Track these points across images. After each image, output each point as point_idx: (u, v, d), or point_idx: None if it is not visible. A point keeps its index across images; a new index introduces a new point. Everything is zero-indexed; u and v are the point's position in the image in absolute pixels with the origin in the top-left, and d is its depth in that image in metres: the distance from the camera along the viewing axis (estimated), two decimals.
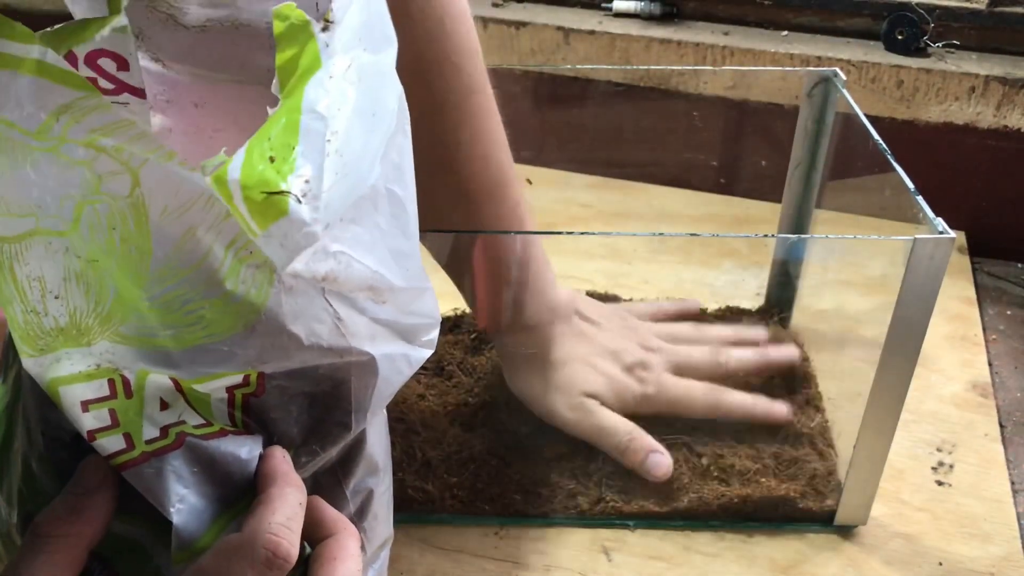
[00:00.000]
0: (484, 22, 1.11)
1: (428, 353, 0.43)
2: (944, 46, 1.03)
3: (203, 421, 0.37)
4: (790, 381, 0.75)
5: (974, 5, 1.01)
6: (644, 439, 0.68)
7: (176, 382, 0.36)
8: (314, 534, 0.39)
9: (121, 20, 0.38)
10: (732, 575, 0.65)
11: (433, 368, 0.75)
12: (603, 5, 1.13)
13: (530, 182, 1.05)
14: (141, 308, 0.36)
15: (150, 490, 0.36)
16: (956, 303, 0.92)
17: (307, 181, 0.34)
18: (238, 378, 0.37)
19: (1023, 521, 0.69)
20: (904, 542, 0.68)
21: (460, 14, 0.60)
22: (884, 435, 0.63)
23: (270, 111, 0.35)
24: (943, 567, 0.66)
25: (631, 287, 0.88)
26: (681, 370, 0.72)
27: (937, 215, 0.57)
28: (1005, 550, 0.67)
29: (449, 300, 0.71)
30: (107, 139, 0.33)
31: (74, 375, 0.36)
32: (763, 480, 0.68)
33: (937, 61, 1.01)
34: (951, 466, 0.74)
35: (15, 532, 0.41)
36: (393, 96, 0.40)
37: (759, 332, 0.77)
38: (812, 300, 0.83)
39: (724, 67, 1.05)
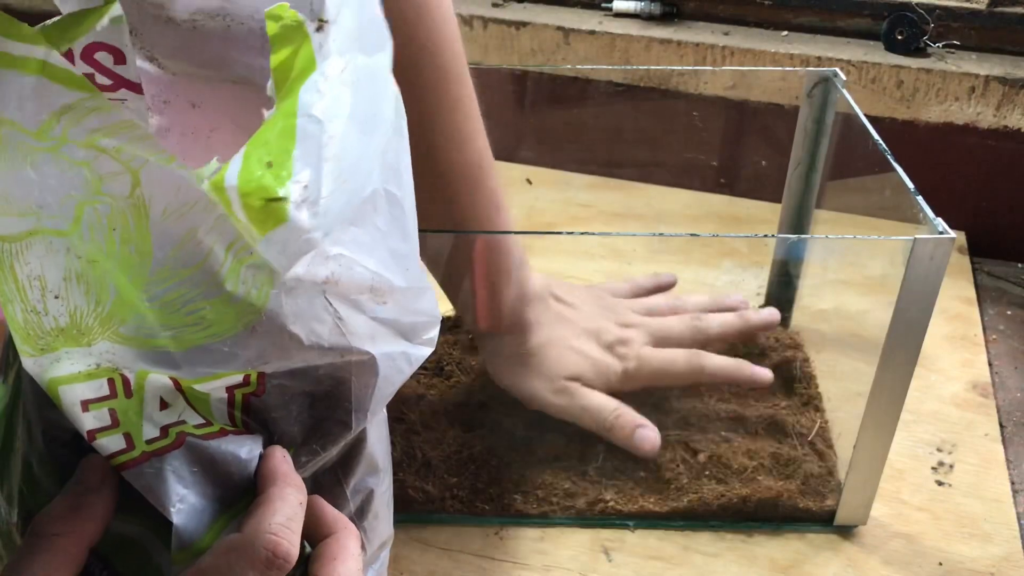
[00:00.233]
0: (484, 22, 1.11)
1: (428, 351, 0.43)
2: (944, 46, 1.03)
3: (203, 421, 0.37)
4: (790, 381, 0.75)
5: (974, 5, 1.01)
6: (630, 415, 0.69)
7: (176, 381, 0.36)
8: (314, 533, 0.39)
9: (116, 9, 0.38)
10: (732, 575, 0.65)
11: (433, 368, 0.75)
12: (603, 5, 1.13)
13: (530, 182, 1.05)
14: (141, 308, 0.36)
15: (150, 490, 0.36)
16: (956, 303, 0.92)
17: (306, 187, 0.34)
18: (238, 378, 0.37)
19: (1023, 521, 0.69)
20: (904, 542, 0.68)
21: (438, 2, 0.60)
22: (884, 435, 0.63)
23: (266, 114, 0.35)
24: (943, 567, 0.66)
25: None
26: (661, 342, 0.73)
27: (937, 215, 0.57)
28: (1005, 550, 0.67)
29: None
30: (108, 140, 0.33)
31: (74, 375, 0.35)
32: (763, 480, 0.68)
33: (937, 61, 1.01)
34: (951, 466, 0.74)
35: (15, 531, 0.41)
36: (390, 99, 0.40)
37: (737, 298, 0.77)
38: (812, 300, 0.83)
39: (724, 67, 1.05)
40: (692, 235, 0.99)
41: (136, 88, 0.42)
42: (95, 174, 0.34)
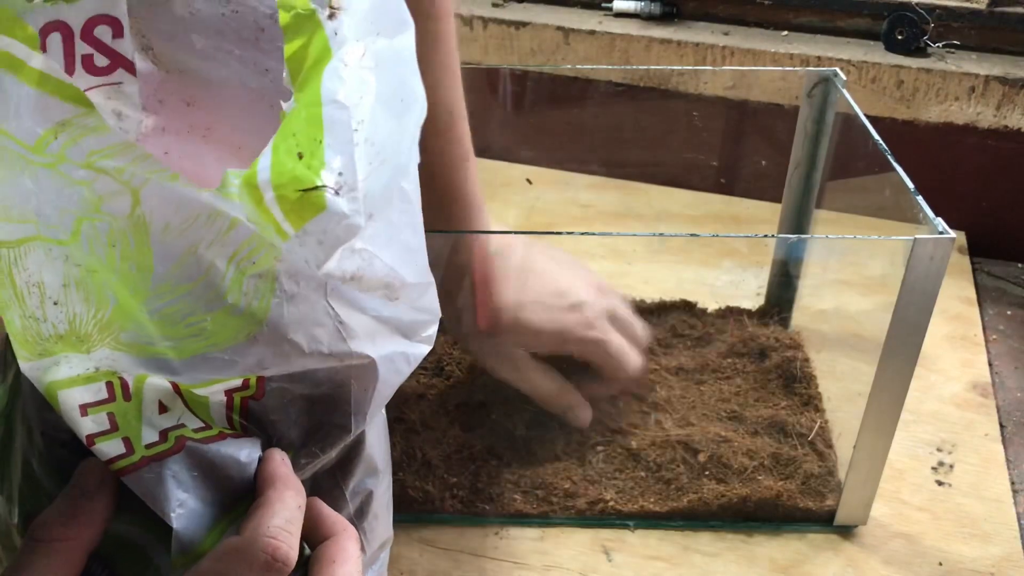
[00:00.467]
0: (484, 22, 1.11)
1: (427, 349, 0.43)
2: (944, 46, 1.03)
3: (202, 424, 0.37)
4: (790, 381, 0.75)
5: (974, 5, 1.01)
6: (570, 395, 0.70)
7: (175, 385, 0.36)
8: (313, 536, 0.39)
9: None
10: (732, 575, 0.65)
11: (432, 368, 0.75)
12: (603, 5, 1.13)
13: (530, 182, 1.05)
14: (141, 319, 0.35)
15: (150, 495, 0.36)
16: (956, 303, 0.92)
17: (340, 173, 0.34)
18: (237, 382, 0.37)
19: (1023, 521, 0.69)
20: (904, 542, 0.68)
21: None
22: (884, 435, 0.63)
23: (284, 106, 0.35)
24: (943, 567, 0.66)
25: (631, 287, 0.88)
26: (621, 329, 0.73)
27: (937, 215, 0.57)
28: (1005, 550, 0.67)
29: None
30: (107, 161, 0.33)
31: (72, 378, 0.35)
32: (763, 480, 0.68)
33: (937, 61, 1.01)
34: (951, 466, 0.74)
35: (15, 532, 0.41)
36: (417, 79, 0.39)
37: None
38: (812, 300, 0.83)
39: (724, 67, 1.05)
40: (692, 235, 0.99)
41: (131, 68, 0.42)
42: (95, 193, 0.34)
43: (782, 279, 0.85)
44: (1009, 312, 0.92)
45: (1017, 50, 1.02)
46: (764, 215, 1.01)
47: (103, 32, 0.40)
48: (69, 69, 0.41)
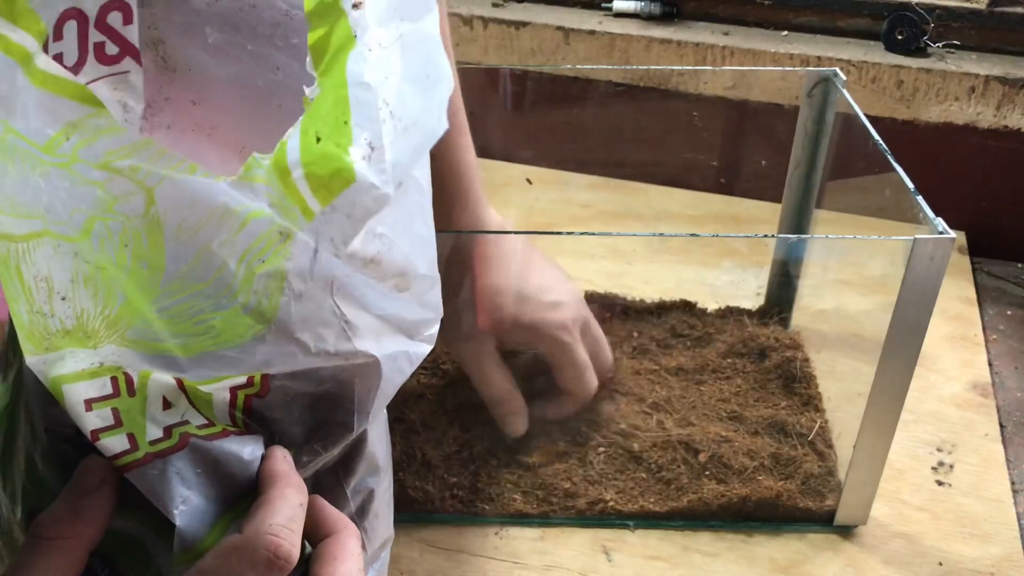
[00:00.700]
0: (484, 22, 1.11)
1: (428, 349, 0.43)
2: (944, 46, 1.03)
3: (206, 421, 0.37)
4: (790, 381, 0.75)
5: (974, 5, 1.01)
6: (515, 402, 0.69)
7: (179, 381, 0.36)
8: (315, 533, 0.39)
9: None
10: (732, 575, 0.65)
11: (432, 368, 0.75)
12: (603, 5, 1.13)
13: (530, 182, 1.05)
14: (149, 317, 0.36)
15: (153, 492, 0.36)
16: (956, 303, 0.92)
17: (370, 144, 0.35)
18: (242, 379, 0.37)
19: (1023, 521, 0.70)
20: (904, 542, 0.68)
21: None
22: (884, 435, 0.63)
23: (308, 91, 0.36)
24: (943, 567, 0.66)
25: (631, 287, 0.88)
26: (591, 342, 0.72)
27: (937, 215, 0.57)
28: (1005, 550, 0.67)
29: None
30: (123, 161, 0.34)
31: (78, 372, 0.35)
32: (763, 480, 0.68)
33: (937, 61, 1.01)
34: (951, 466, 0.74)
35: (17, 529, 0.41)
36: (443, 56, 0.40)
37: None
38: (812, 300, 0.83)
39: (724, 67, 1.05)
40: (692, 235, 0.99)
41: (138, 56, 0.42)
42: (109, 194, 0.34)
43: (782, 279, 0.85)
44: (1009, 312, 0.92)
45: (1017, 50, 1.02)
46: (764, 215, 1.01)
47: (115, 19, 0.40)
48: (82, 58, 0.41)
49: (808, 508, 0.68)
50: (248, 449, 0.38)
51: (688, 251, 0.96)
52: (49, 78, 0.33)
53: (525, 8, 1.14)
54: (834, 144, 0.77)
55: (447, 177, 0.64)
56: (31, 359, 0.36)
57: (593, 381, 0.70)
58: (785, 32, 1.08)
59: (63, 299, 0.35)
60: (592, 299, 0.86)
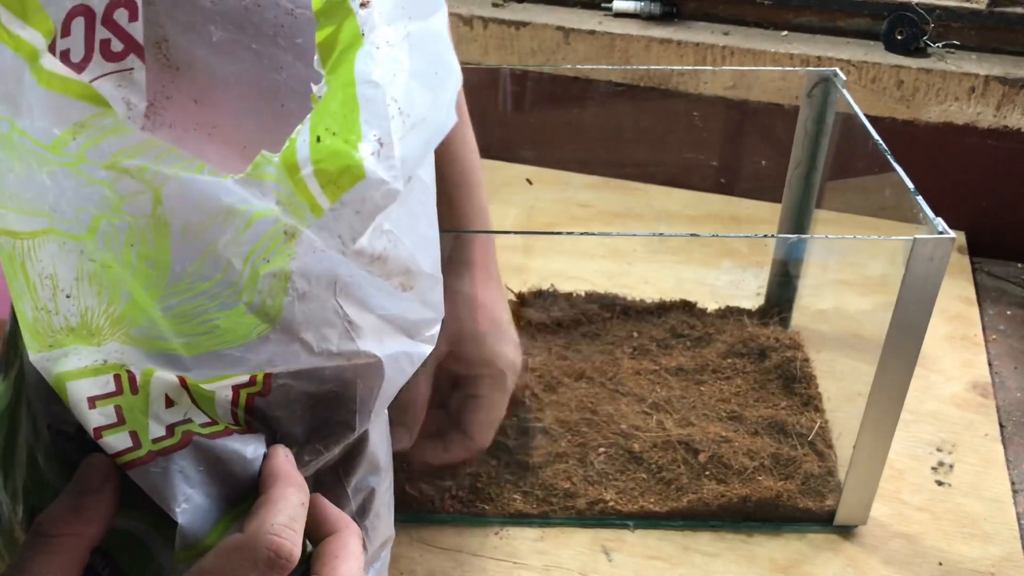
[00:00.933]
0: (484, 22, 1.11)
1: (429, 349, 0.43)
2: (944, 46, 1.03)
3: (208, 419, 0.37)
4: (790, 381, 0.75)
5: (974, 5, 1.01)
6: (416, 419, 0.65)
7: (182, 379, 0.36)
8: (316, 532, 0.39)
9: None
10: (732, 575, 0.65)
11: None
12: (603, 5, 1.13)
13: (530, 182, 1.05)
14: (154, 316, 0.36)
15: (156, 490, 0.36)
16: (956, 303, 0.92)
17: (379, 141, 0.35)
18: (245, 378, 0.37)
19: (1023, 521, 0.70)
20: (904, 542, 0.68)
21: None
22: (884, 435, 0.63)
23: (315, 89, 0.36)
24: (943, 567, 0.66)
25: (631, 287, 0.88)
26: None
27: (937, 215, 0.57)
28: (1005, 550, 0.67)
29: None
30: (130, 160, 0.34)
31: (81, 369, 0.36)
32: (763, 480, 0.68)
33: (937, 61, 1.01)
34: (951, 466, 0.74)
35: (18, 527, 0.41)
36: (451, 53, 0.40)
37: None
38: (812, 300, 0.83)
39: (724, 67, 1.05)
40: (692, 235, 0.99)
41: (142, 54, 0.43)
42: (116, 194, 0.34)
43: (782, 279, 0.85)
44: (1009, 312, 0.92)
45: (1017, 50, 1.02)
46: (764, 215, 1.01)
47: (121, 16, 0.40)
48: (88, 55, 0.42)
49: (808, 508, 0.68)
50: (250, 448, 0.38)
51: (688, 251, 0.96)
52: (55, 78, 0.33)
53: (525, 8, 1.14)
54: (834, 144, 0.77)
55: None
56: (35, 356, 0.36)
57: (490, 438, 0.67)
58: (785, 32, 1.08)
59: (68, 296, 0.35)
60: (592, 299, 0.86)
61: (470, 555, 0.66)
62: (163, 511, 0.36)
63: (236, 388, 0.37)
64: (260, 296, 0.36)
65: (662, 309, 0.85)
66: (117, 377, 0.36)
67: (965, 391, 0.82)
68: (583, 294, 0.87)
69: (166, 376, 0.36)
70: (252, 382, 0.37)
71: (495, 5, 1.14)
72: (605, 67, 1.10)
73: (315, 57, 0.36)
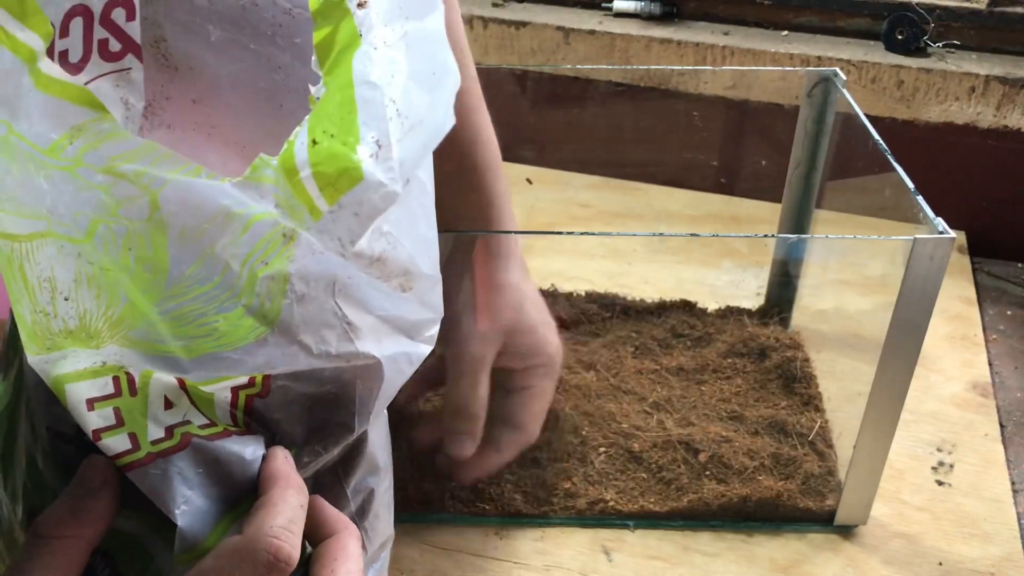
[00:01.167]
0: (484, 22, 1.11)
1: (428, 349, 0.43)
2: (944, 46, 1.03)
3: (207, 421, 0.37)
4: (790, 381, 0.75)
5: (974, 5, 1.01)
6: (477, 423, 0.65)
7: (181, 381, 0.36)
8: (315, 534, 0.39)
9: None
10: (732, 575, 0.65)
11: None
12: (603, 5, 1.13)
13: (530, 182, 1.05)
14: (152, 318, 0.36)
15: (155, 491, 0.36)
16: (956, 303, 0.92)
17: (377, 143, 0.35)
18: (244, 379, 0.37)
19: (1023, 521, 0.70)
20: (904, 542, 0.68)
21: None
22: (884, 435, 0.63)
23: (313, 90, 0.36)
24: (943, 567, 0.66)
25: (631, 287, 0.88)
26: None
27: (937, 215, 0.57)
28: (1005, 550, 0.67)
29: None
30: (128, 165, 0.34)
31: (80, 372, 0.36)
32: (763, 480, 0.68)
33: (937, 61, 1.01)
34: (951, 466, 0.74)
35: (18, 528, 0.41)
36: (449, 54, 0.40)
37: None
38: (812, 300, 0.83)
39: (724, 67, 1.05)
40: (692, 235, 0.99)
41: (139, 53, 0.43)
42: (113, 198, 0.34)
43: (782, 279, 0.85)
44: (1009, 312, 0.92)
45: (1017, 50, 1.02)
46: (764, 215, 1.01)
47: (119, 15, 0.40)
48: (86, 55, 0.42)
49: (808, 508, 0.68)
50: (249, 449, 0.38)
51: (688, 251, 0.96)
52: (52, 82, 0.33)
53: (525, 8, 1.14)
54: (834, 144, 0.77)
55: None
56: (33, 359, 0.36)
57: (539, 429, 0.67)
58: (785, 32, 1.08)
59: (66, 299, 0.35)
60: (592, 299, 0.86)
61: (470, 555, 0.66)
62: (162, 513, 0.36)
63: (235, 390, 0.37)
64: (259, 298, 0.36)
65: (662, 309, 0.85)
66: (116, 379, 0.36)
67: (965, 391, 0.82)
68: (583, 294, 0.87)
69: (165, 378, 0.36)
70: (251, 384, 0.37)
71: (495, 5, 1.14)
72: (605, 67, 1.10)
73: (313, 58, 0.36)
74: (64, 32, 0.40)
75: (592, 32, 1.08)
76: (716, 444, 0.69)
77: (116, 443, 0.36)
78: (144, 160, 0.34)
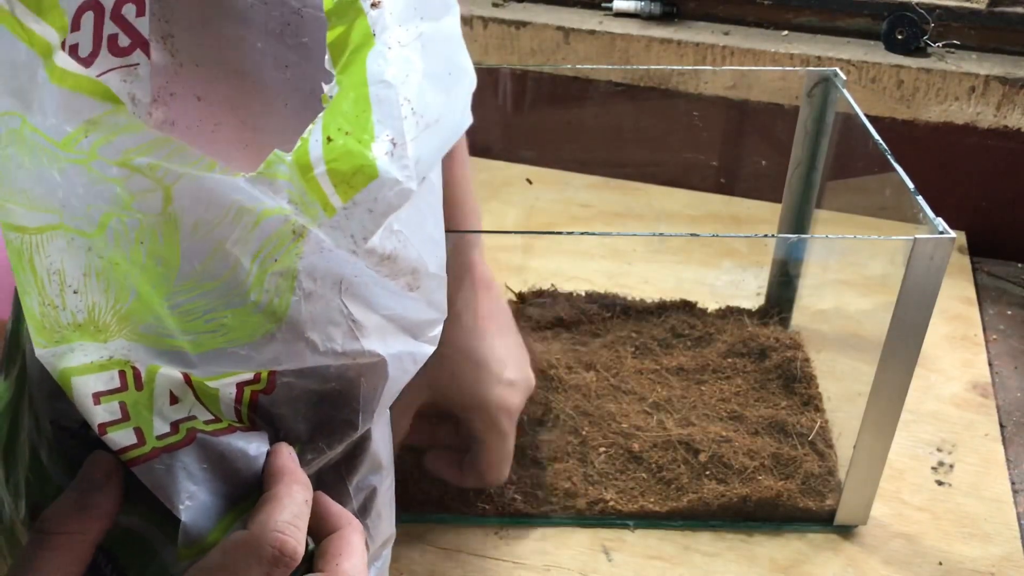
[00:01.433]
0: (484, 22, 1.11)
1: (432, 349, 0.43)
2: (944, 46, 1.03)
3: (212, 417, 0.37)
4: (790, 381, 0.75)
5: (974, 5, 1.01)
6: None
7: (186, 376, 0.36)
8: (318, 530, 0.39)
9: None
10: (732, 575, 0.65)
11: None
12: (603, 5, 1.13)
13: (530, 182, 1.05)
14: (161, 313, 0.36)
15: (159, 486, 0.36)
16: (956, 303, 0.92)
17: (392, 141, 0.35)
18: (249, 375, 0.37)
19: (1023, 521, 0.70)
20: (904, 542, 0.68)
21: None
22: (884, 435, 0.63)
23: (326, 89, 0.36)
24: (943, 567, 0.66)
25: (631, 287, 0.88)
26: None
27: (937, 215, 0.57)
28: (1005, 550, 0.67)
29: None
30: (142, 158, 0.34)
31: (86, 365, 0.36)
32: (763, 480, 0.68)
33: (937, 61, 1.01)
34: (951, 466, 0.74)
35: (20, 525, 0.41)
36: (465, 55, 0.40)
37: None
38: (812, 300, 0.83)
39: (724, 67, 1.05)
40: (692, 235, 0.99)
41: (147, 49, 0.43)
42: (127, 191, 0.34)
43: (782, 279, 0.85)
44: (1009, 312, 0.92)
45: (1017, 50, 1.02)
46: (764, 215, 1.01)
47: (129, 10, 0.40)
48: (96, 49, 0.42)
49: (808, 508, 0.68)
50: (254, 445, 0.38)
51: (688, 251, 0.96)
52: (68, 75, 0.33)
53: (525, 8, 1.14)
54: (834, 144, 0.77)
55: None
56: (40, 351, 0.36)
57: (504, 474, 0.66)
58: (785, 32, 1.08)
59: (75, 292, 0.35)
60: (592, 299, 0.86)
61: (470, 555, 0.66)
62: (167, 508, 0.36)
63: (240, 385, 0.37)
64: (267, 295, 0.36)
65: (662, 309, 0.85)
66: (122, 373, 0.36)
67: (965, 391, 0.82)
68: (583, 294, 0.87)
69: (171, 373, 0.36)
70: (256, 380, 0.37)
71: (495, 5, 1.14)
72: (605, 67, 1.10)
73: (326, 56, 0.37)
74: (75, 26, 0.40)
75: (592, 32, 1.08)
76: (716, 444, 0.70)
77: (122, 437, 0.36)
78: (159, 153, 0.34)
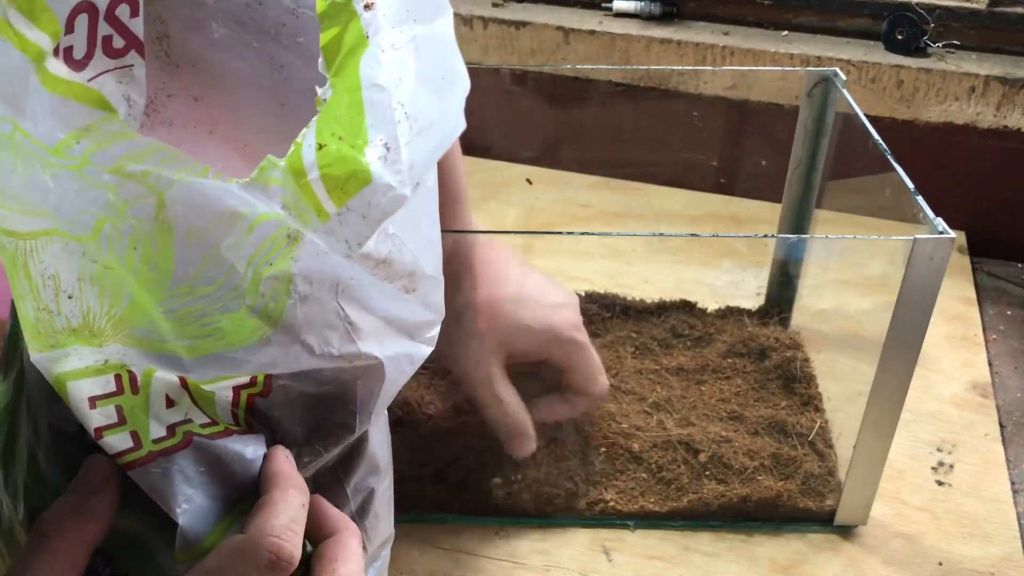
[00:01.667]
0: (484, 22, 1.11)
1: (429, 350, 0.43)
2: (944, 46, 1.03)
3: (209, 420, 0.37)
4: (790, 381, 0.75)
5: (974, 5, 1.01)
6: (525, 422, 0.66)
7: (182, 380, 0.36)
8: (316, 533, 0.39)
9: None
10: (732, 575, 0.65)
11: (433, 368, 0.75)
12: (603, 5, 1.13)
13: (530, 182, 1.05)
14: (156, 318, 0.36)
15: (156, 490, 0.36)
16: (956, 303, 0.92)
17: (386, 146, 0.35)
18: (245, 379, 0.37)
19: (1023, 521, 0.70)
20: (904, 542, 0.68)
21: None
22: (884, 435, 0.63)
23: (320, 92, 0.36)
24: (943, 567, 0.66)
25: (631, 287, 0.88)
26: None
27: (937, 215, 0.57)
28: (1005, 550, 0.67)
29: None
30: (135, 165, 0.34)
31: (81, 370, 0.36)
32: (763, 480, 0.68)
33: (937, 61, 1.01)
34: (951, 466, 0.74)
35: (18, 527, 0.41)
36: (459, 58, 0.40)
37: None
38: (812, 300, 0.83)
39: (724, 67, 1.05)
40: (692, 235, 0.99)
41: (142, 50, 0.43)
42: (120, 198, 0.34)
43: (782, 279, 0.85)
44: (1009, 312, 0.92)
45: (1017, 50, 1.02)
46: (764, 215, 1.01)
47: (123, 11, 0.40)
48: (90, 51, 0.42)
49: (808, 508, 0.68)
50: (250, 448, 0.38)
51: (688, 251, 0.96)
52: (60, 81, 0.33)
53: (525, 8, 1.14)
54: (834, 144, 0.77)
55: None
56: (36, 356, 0.36)
57: (605, 382, 0.68)
58: (785, 32, 1.08)
59: (70, 297, 0.35)
60: (592, 299, 0.86)
61: (470, 555, 0.66)
62: (164, 512, 0.36)
63: (236, 389, 0.37)
64: (262, 299, 0.36)
65: (662, 309, 0.85)
66: (118, 377, 0.36)
67: (965, 391, 0.82)
68: (583, 294, 0.87)
69: (167, 376, 0.36)
70: (252, 383, 0.37)
71: (495, 5, 1.14)
72: (605, 67, 1.10)
73: (319, 60, 0.36)
74: (69, 28, 0.40)
75: (592, 32, 1.08)
76: (716, 444, 0.69)
77: (118, 441, 0.36)
78: (152, 160, 0.34)
